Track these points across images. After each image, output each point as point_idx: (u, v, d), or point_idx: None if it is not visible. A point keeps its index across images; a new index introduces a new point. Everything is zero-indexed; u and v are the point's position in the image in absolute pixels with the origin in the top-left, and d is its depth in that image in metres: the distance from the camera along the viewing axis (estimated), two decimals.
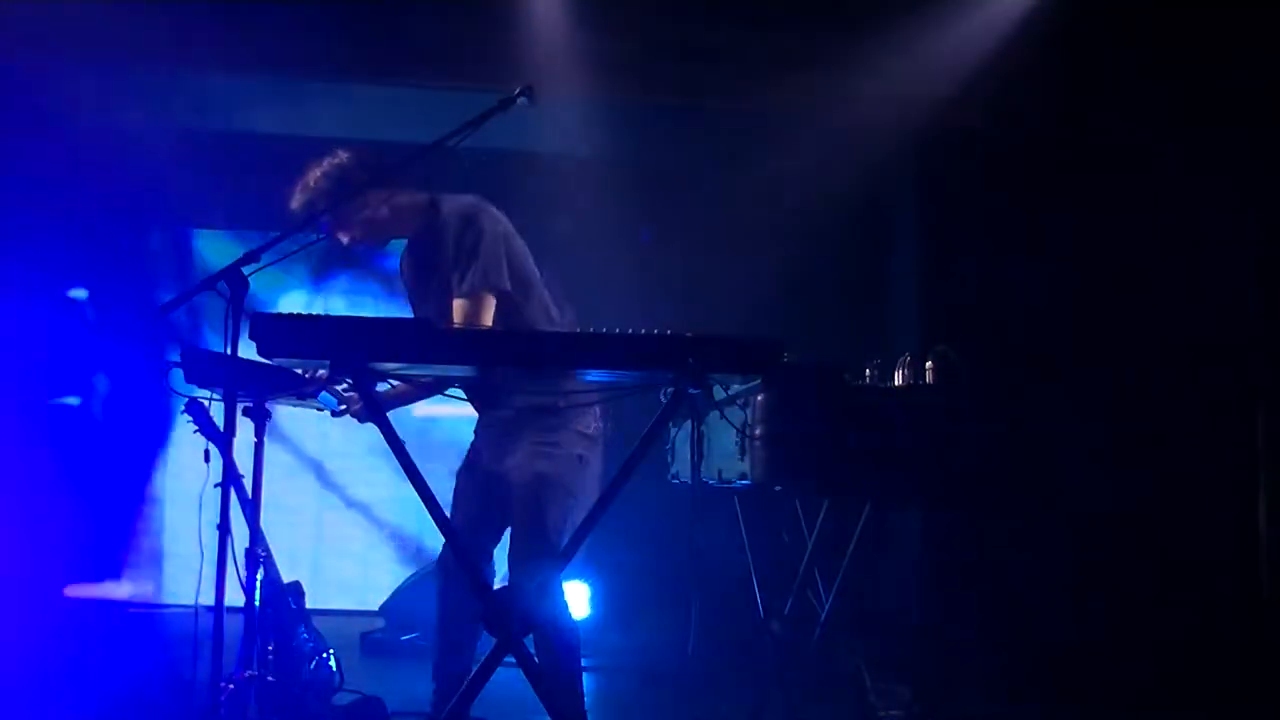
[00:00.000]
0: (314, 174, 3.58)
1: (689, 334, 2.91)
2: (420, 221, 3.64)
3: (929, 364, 3.90)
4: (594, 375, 3.16)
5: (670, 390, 3.01)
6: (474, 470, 3.69)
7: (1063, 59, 5.54)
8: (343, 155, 3.61)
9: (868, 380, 4.04)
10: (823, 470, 3.58)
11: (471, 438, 3.78)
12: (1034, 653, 5.25)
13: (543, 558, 3.40)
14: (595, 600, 6.05)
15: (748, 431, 3.59)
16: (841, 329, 5.92)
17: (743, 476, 3.79)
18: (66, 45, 5.24)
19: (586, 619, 5.84)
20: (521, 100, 3.27)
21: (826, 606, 4.15)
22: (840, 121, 5.63)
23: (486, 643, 3.00)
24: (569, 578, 4.38)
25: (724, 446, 3.91)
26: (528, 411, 3.52)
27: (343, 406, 3.60)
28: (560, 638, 3.49)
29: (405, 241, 3.75)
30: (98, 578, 6.30)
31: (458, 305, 3.45)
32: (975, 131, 5.81)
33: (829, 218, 5.97)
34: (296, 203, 3.58)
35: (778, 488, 3.78)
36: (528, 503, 3.51)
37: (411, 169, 3.55)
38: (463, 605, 3.49)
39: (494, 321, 3.48)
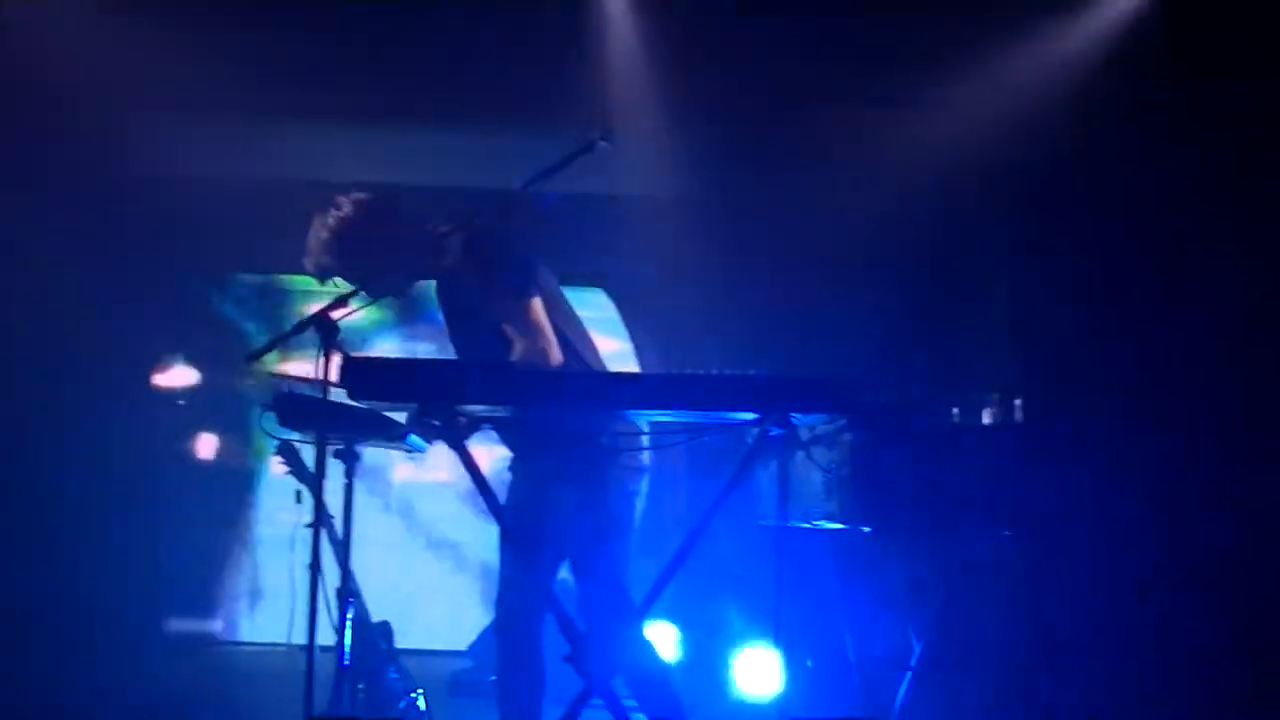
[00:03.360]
0: (316, 229, 3.51)
1: (774, 375, 2.91)
2: (437, 258, 3.54)
3: (1018, 402, 3.85)
4: (677, 416, 3.14)
5: (755, 432, 2.99)
6: (522, 511, 3.52)
7: (1158, 84, 5.44)
8: (345, 206, 3.51)
9: (956, 419, 3.99)
10: (912, 511, 3.54)
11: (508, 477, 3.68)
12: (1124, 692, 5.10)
13: (621, 599, 3.39)
14: (682, 644, 6.02)
15: (835, 472, 3.57)
16: (927, 366, 5.84)
17: (830, 516, 3.78)
18: (144, 99, 5.37)
19: (674, 663, 5.80)
20: (602, 144, 3.28)
21: (918, 649, 4.10)
22: (925, 154, 5.58)
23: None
24: (656, 620, 4.39)
25: (811, 487, 3.89)
26: (577, 449, 3.44)
27: (431, 446, 3.59)
28: (656, 679, 3.46)
29: (439, 283, 3.67)
30: (194, 614, 6.42)
31: (512, 329, 3.40)
32: (1066, 160, 5.72)
33: (914, 253, 5.90)
34: (308, 261, 3.52)
35: (866, 529, 3.75)
36: (594, 548, 3.48)
37: (495, 214, 3.52)
38: (526, 666, 3.48)
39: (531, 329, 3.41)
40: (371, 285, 3.37)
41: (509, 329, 3.41)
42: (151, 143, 5.60)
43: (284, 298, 6.54)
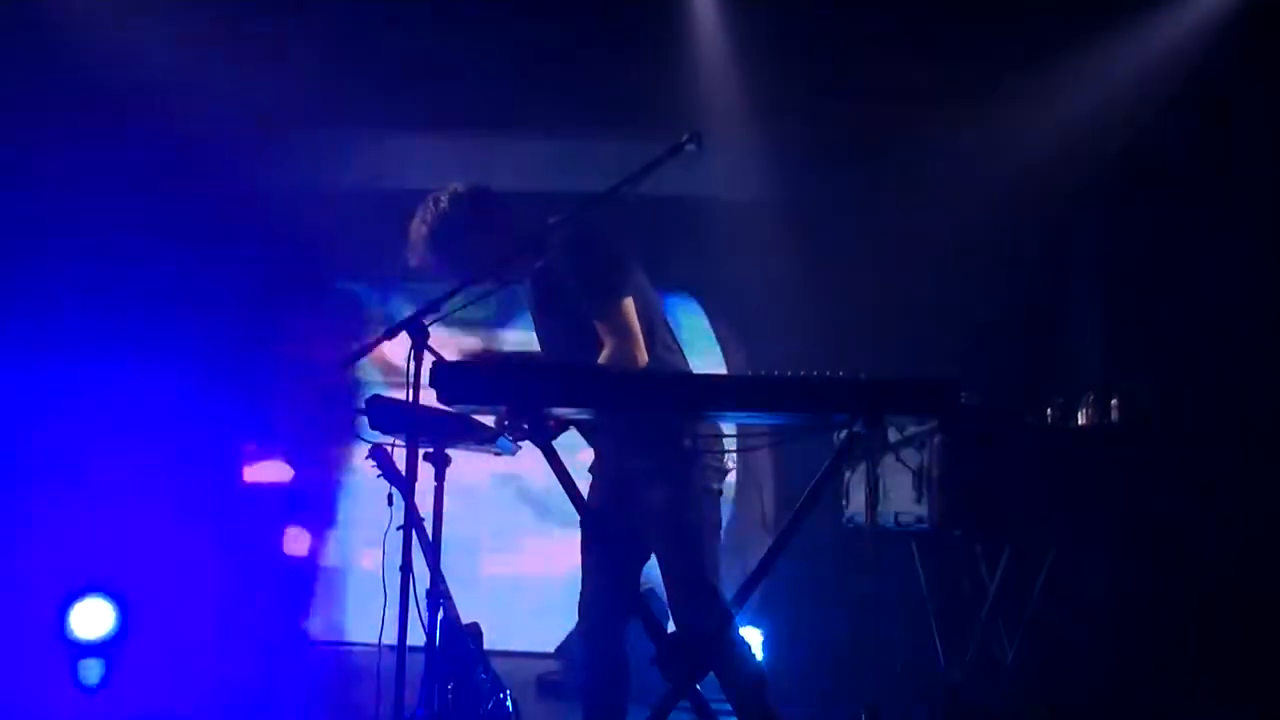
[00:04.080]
0: (417, 225, 3.56)
1: (863, 376, 2.89)
2: (534, 257, 3.57)
3: (1114, 402, 3.77)
4: (767, 418, 3.14)
5: (844, 433, 2.98)
6: (605, 513, 3.55)
7: (1256, 78, 5.30)
8: (443, 201, 3.57)
9: (1049, 420, 3.92)
10: (1004, 514, 3.49)
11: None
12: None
13: (711, 600, 3.37)
14: (768, 647, 5.99)
15: (925, 474, 3.52)
16: (1019, 365, 5.73)
17: (920, 520, 3.73)
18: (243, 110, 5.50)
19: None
20: (690, 147, 3.27)
21: (1010, 655, 4.03)
22: (1015, 150, 5.53)
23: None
24: (742, 624, 4.33)
25: (900, 489, 3.85)
26: (661, 450, 3.43)
27: (519, 447, 3.61)
28: (748, 682, 3.43)
29: (529, 281, 3.68)
30: (291, 616, 6.52)
31: (602, 328, 3.41)
32: (1162, 154, 5.60)
33: (1004, 250, 5.83)
34: (412, 257, 3.57)
35: (957, 532, 3.69)
36: (682, 548, 3.46)
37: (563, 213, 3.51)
38: (609, 669, 3.49)
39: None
40: (472, 279, 3.38)
41: (601, 328, 3.42)
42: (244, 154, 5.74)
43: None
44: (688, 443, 3.39)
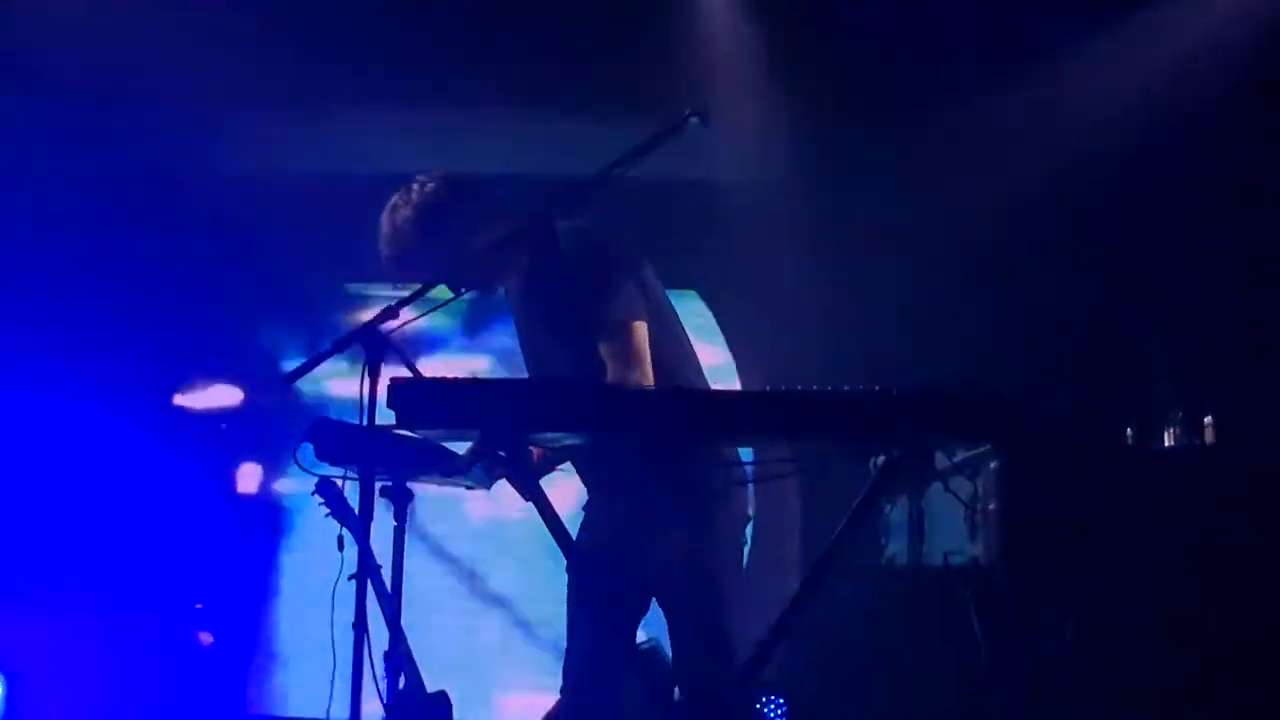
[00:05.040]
0: (394, 210, 3.60)
1: (903, 390, 2.90)
2: (532, 256, 3.62)
3: (1208, 421, 3.79)
4: (790, 442, 3.24)
5: (882, 459, 3.02)
6: (600, 559, 3.59)
7: None
8: (428, 184, 3.61)
9: (1129, 442, 3.95)
10: (1076, 554, 3.50)
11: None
12: None
13: (727, 663, 3.40)
14: (793, 713, 6.00)
15: (979, 507, 3.56)
16: (1086, 379, 5.73)
17: (975, 562, 3.69)
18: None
19: None
20: (694, 121, 3.29)
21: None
22: (1078, 127, 5.57)
23: None
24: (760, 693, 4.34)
25: (950, 525, 3.80)
26: (680, 484, 3.47)
27: (496, 483, 3.62)
28: None
29: (516, 283, 3.73)
30: (218, 684, 6.53)
31: (608, 350, 3.44)
32: (1245, 137, 5.63)
33: (1063, 243, 5.87)
34: (385, 247, 3.60)
35: (1021, 576, 3.71)
36: (699, 603, 3.49)
37: (570, 202, 3.56)
38: None
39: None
40: (459, 276, 3.41)
41: (606, 350, 3.44)
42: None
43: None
44: (716, 481, 3.42)
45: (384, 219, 3.62)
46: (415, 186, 3.62)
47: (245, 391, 6.71)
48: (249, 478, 6.77)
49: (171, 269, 6.44)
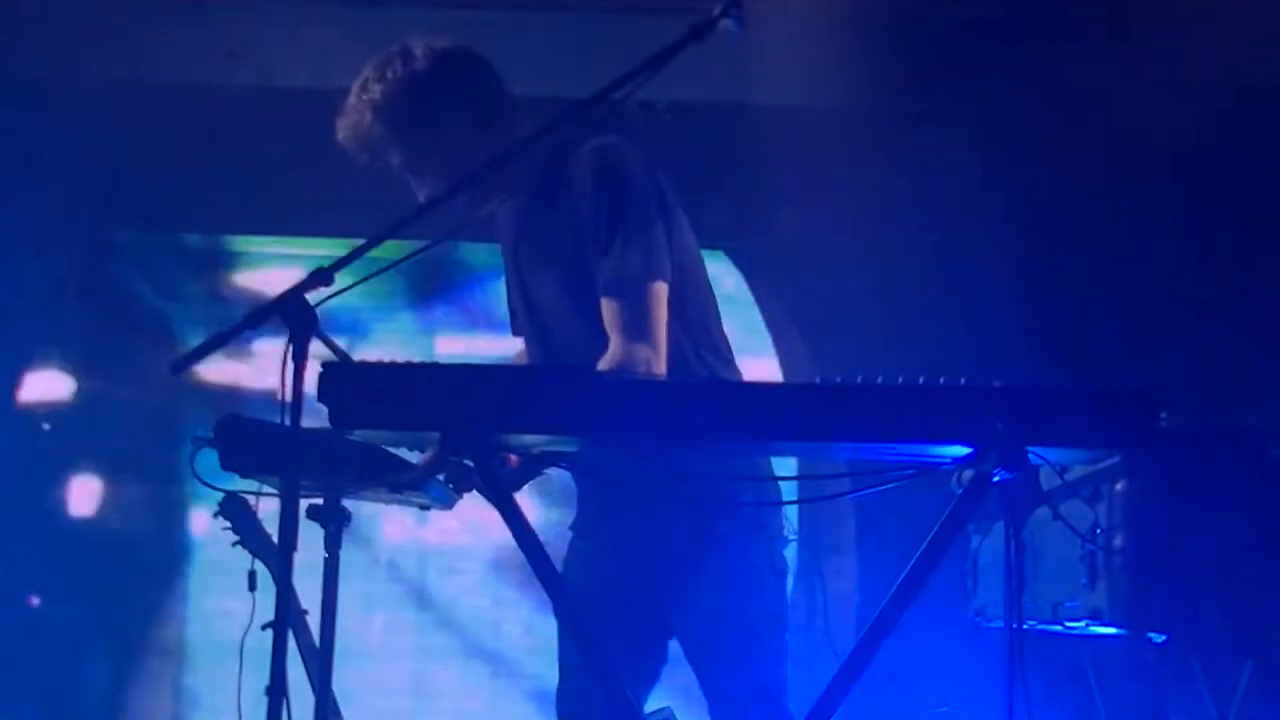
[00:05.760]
0: (377, 81, 3.50)
1: (996, 383, 2.80)
2: (535, 170, 3.55)
3: None
4: (846, 451, 3.04)
5: (969, 474, 2.86)
6: (605, 608, 3.54)
7: None
8: (416, 53, 3.52)
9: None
10: (1238, 607, 3.24)
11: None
12: None
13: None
14: None
15: (1101, 542, 3.32)
16: (1170, 365, 5.69)
17: (1095, 615, 3.65)
18: None
19: None
20: (726, 24, 3.13)
21: None
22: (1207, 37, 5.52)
23: None
24: None
25: (1062, 566, 3.76)
26: (699, 507, 3.43)
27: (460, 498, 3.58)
28: None
29: (509, 205, 3.70)
30: None
31: (611, 310, 3.41)
32: None
33: (1172, 191, 5.88)
34: (348, 126, 3.51)
35: (1156, 635, 3.53)
36: (733, 651, 3.51)
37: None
38: None
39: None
40: (436, 179, 3.40)
41: (608, 308, 3.40)
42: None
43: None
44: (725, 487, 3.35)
45: (353, 95, 3.53)
46: (399, 56, 3.52)
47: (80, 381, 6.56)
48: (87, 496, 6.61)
49: None
